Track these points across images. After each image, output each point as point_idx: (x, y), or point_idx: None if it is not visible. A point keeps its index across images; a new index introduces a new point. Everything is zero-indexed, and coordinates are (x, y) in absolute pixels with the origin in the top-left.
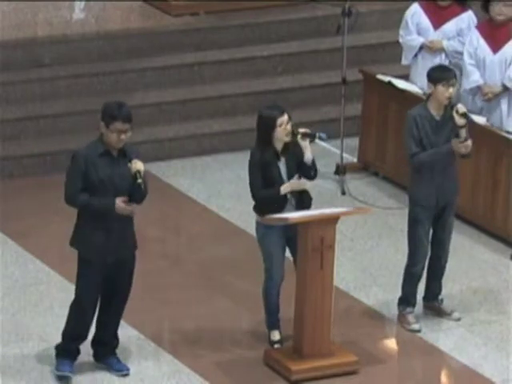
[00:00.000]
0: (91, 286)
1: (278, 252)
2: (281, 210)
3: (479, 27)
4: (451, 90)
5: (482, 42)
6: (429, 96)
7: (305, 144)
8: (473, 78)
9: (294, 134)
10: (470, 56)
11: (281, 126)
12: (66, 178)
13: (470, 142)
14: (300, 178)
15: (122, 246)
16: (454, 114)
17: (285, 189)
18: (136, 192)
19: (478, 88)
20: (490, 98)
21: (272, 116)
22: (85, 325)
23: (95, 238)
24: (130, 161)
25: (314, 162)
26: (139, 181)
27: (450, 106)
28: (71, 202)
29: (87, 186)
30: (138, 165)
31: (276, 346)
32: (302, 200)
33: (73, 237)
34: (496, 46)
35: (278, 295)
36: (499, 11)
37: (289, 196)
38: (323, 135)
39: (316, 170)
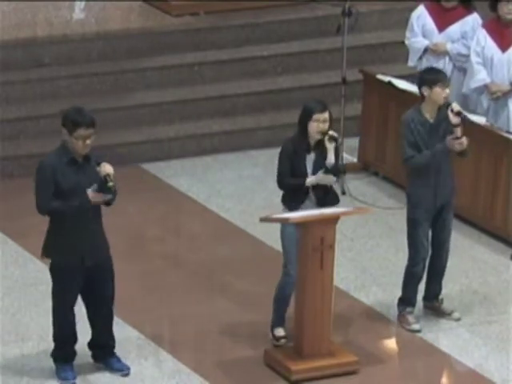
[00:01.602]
0: (67, 294)
1: (296, 248)
2: (299, 204)
3: (486, 26)
4: (447, 90)
5: (490, 41)
6: (422, 99)
7: (329, 146)
8: (480, 76)
9: (323, 133)
10: (477, 55)
11: (316, 121)
12: (35, 188)
13: (464, 140)
14: (326, 173)
15: (97, 248)
16: (449, 113)
17: (310, 181)
18: (106, 194)
19: (485, 87)
20: (498, 97)
21: (311, 108)
22: (70, 329)
23: (69, 244)
24: (98, 164)
25: (335, 166)
26: (110, 184)
27: (445, 105)
28: (44, 211)
29: (56, 194)
30: (106, 168)
31: (282, 340)
32: (326, 199)
33: (44, 247)
34: (504, 45)
35: (291, 292)
36: (508, 10)
37: (310, 192)
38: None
39: (336, 175)
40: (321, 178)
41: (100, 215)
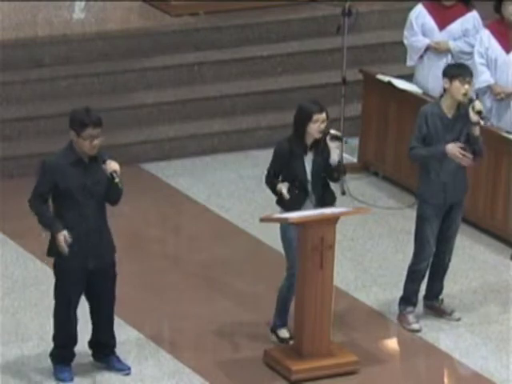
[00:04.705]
0: (70, 297)
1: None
2: (299, 205)
3: (490, 27)
4: (467, 86)
5: (494, 42)
6: (443, 93)
7: (333, 145)
8: (483, 77)
9: (324, 133)
10: (480, 55)
11: (316, 122)
12: (36, 181)
13: (470, 158)
14: (295, 187)
15: (100, 251)
16: (470, 110)
17: (279, 188)
18: (113, 192)
19: (488, 88)
20: (502, 98)
21: (310, 110)
22: (71, 330)
23: (73, 245)
24: (103, 162)
25: (339, 164)
26: (116, 180)
27: (468, 101)
28: (30, 206)
29: (59, 194)
30: (112, 165)
31: (289, 342)
32: (324, 198)
33: (50, 247)
34: (509, 46)
35: (294, 293)
36: None
37: (310, 191)
38: (349, 141)
39: (340, 173)
40: (279, 186)
41: (103, 217)
